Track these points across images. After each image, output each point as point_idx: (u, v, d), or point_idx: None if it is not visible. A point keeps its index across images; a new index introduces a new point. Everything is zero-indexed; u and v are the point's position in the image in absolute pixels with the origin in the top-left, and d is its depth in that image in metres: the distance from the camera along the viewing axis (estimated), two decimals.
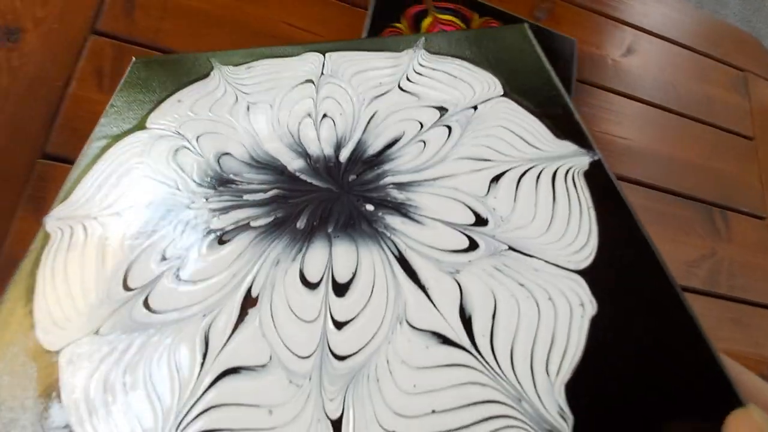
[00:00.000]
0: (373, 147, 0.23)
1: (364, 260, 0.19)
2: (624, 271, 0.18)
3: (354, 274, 0.19)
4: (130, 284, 0.19)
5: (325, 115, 0.25)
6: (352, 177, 0.22)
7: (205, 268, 0.19)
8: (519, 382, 0.16)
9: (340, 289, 0.18)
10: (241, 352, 0.17)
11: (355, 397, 0.16)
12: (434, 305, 0.18)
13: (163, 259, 0.20)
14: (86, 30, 0.46)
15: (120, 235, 0.21)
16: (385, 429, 0.15)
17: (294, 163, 0.23)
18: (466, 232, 0.20)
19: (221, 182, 0.22)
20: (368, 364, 0.16)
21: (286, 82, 0.26)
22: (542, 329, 0.17)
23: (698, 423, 0.15)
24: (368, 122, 0.24)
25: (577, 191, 0.21)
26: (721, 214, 0.72)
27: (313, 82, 0.26)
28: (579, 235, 0.19)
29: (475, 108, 0.24)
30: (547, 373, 0.16)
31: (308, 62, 0.27)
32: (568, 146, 0.22)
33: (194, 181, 0.22)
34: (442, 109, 0.25)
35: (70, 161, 0.41)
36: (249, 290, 0.18)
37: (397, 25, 0.57)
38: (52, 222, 0.21)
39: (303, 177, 0.22)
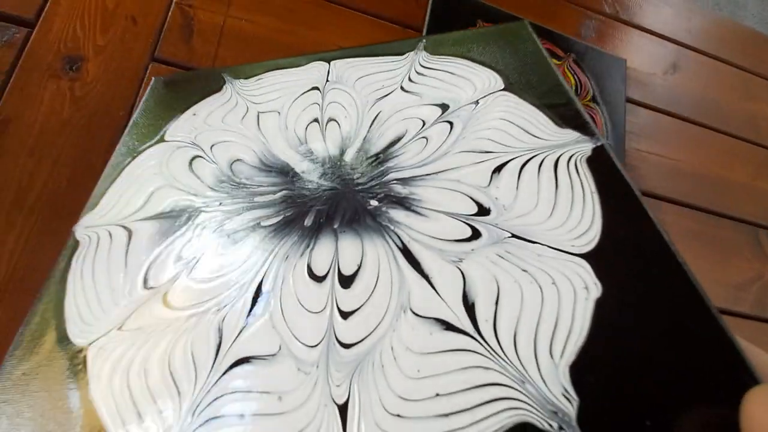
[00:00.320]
0: (377, 146, 0.24)
1: (369, 253, 0.20)
2: (629, 253, 0.18)
3: (359, 267, 0.19)
4: (151, 283, 0.21)
5: (330, 119, 0.25)
6: (357, 175, 0.23)
7: (219, 266, 0.21)
8: (522, 365, 0.16)
9: (346, 281, 0.19)
10: (253, 343, 0.18)
11: (361, 383, 0.16)
12: (437, 293, 0.18)
13: (180, 259, 0.21)
14: (147, 57, 0.46)
15: (141, 239, 0.22)
16: (390, 412, 0.15)
17: (301, 165, 0.24)
18: (469, 222, 0.20)
19: (234, 186, 0.24)
20: (373, 352, 0.17)
21: (293, 90, 0.27)
22: (546, 313, 0.17)
23: (712, 404, 0.14)
24: (372, 123, 0.25)
25: (580, 177, 0.21)
26: None
27: (318, 89, 0.27)
28: (582, 220, 0.19)
29: (477, 103, 0.25)
30: (551, 356, 0.16)
31: (314, 71, 0.28)
32: (570, 134, 0.23)
33: (209, 187, 0.24)
34: (444, 106, 0.25)
35: None
36: (260, 285, 0.20)
37: None
38: (80, 230, 0.24)
39: (310, 178, 0.23)
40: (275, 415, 0.16)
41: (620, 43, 0.73)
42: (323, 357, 0.17)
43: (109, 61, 0.45)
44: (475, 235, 0.20)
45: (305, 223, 0.21)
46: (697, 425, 0.13)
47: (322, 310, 0.18)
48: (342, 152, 0.24)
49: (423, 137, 0.24)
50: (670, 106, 0.71)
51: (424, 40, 0.28)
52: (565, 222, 0.19)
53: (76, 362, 0.18)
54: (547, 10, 0.70)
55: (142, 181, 0.25)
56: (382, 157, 0.23)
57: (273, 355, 0.17)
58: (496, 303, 0.17)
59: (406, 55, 0.28)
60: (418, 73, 0.27)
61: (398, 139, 0.24)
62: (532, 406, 0.15)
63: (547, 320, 0.16)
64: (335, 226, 0.21)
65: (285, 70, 0.29)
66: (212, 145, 0.26)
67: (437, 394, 0.15)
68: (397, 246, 0.20)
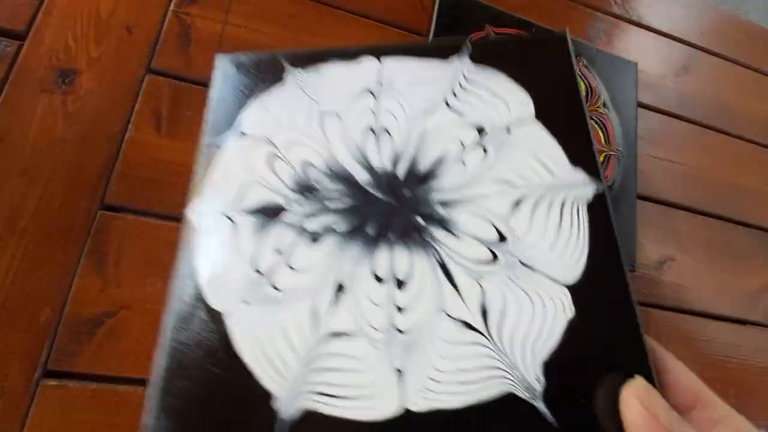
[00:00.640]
0: (423, 165, 0.28)
1: (416, 264, 0.26)
2: (599, 291, 0.25)
3: (409, 274, 0.25)
4: (260, 269, 0.25)
5: (384, 129, 0.29)
6: (407, 192, 0.27)
7: (308, 261, 0.26)
8: (514, 357, 0.24)
9: (401, 284, 0.25)
10: (338, 324, 0.24)
11: (410, 358, 0.24)
12: (463, 301, 0.25)
13: (279, 252, 0.26)
14: (142, 69, 0.44)
15: (246, 230, 0.26)
16: (429, 377, 0.23)
17: (362, 176, 0.28)
18: (491, 247, 0.26)
19: (308, 189, 0.27)
20: (419, 338, 0.24)
21: (349, 89, 0.30)
22: (535, 324, 0.24)
23: (613, 383, 0.23)
24: (419, 139, 0.29)
25: (579, 220, 0.26)
26: None
27: (372, 94, 0.30)
28: (572, 258, 0.25)
29: (509, 130, 0.29)
30: (533, 354, 0.24)
31: (366, 69, 0.31)
32: (579, 175, 0.27)
33: (288, 188, 0.27)
34: (481, 130, 0.29)
35: (132, 211, 0.39)
36: (339, 281, 0.25)
37: None
38: (194, 216, 0.27)
39: (370, 190, 0.27)
40: (357, 372, 0.23)
41: (630, 45, 0.71)
42: (385, 338, 0.24)
43: (104, 74, 0.43)
44: (494, 258, 0.26)
45: (368, 232, 0.26)
46: (609, 403, 0.22)
47: (384, 304, 0.25)
48: (394, 166, 0.28)
49: (461, 161, 0.28)
50: (681, 110, 0.69)
51: (469, 44, 0.31)
52: (560, 257, 0.26)
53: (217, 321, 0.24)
54: (555, 11, 0.68)
55: (232, 174, 0.28)
56: (427, 176, 0.28)
57: (352, 333, 0.24)
58: (502, 313, 0.25)
59: (451, 60, 0.31)
60: (461, 86, 0.30)
61: (441, 160, 0.28)
62: (516, 383, 0.23)
63: (534, 329, 0.24)
64: (391, 238, 0.26)
65: (338, 62, 0.31)
66: (286, 145, 0.29)
67: (458, 369, 0.23)
68: (437, 261, 0.26)
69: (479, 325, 0.24)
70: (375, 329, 0.24)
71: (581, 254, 0.25)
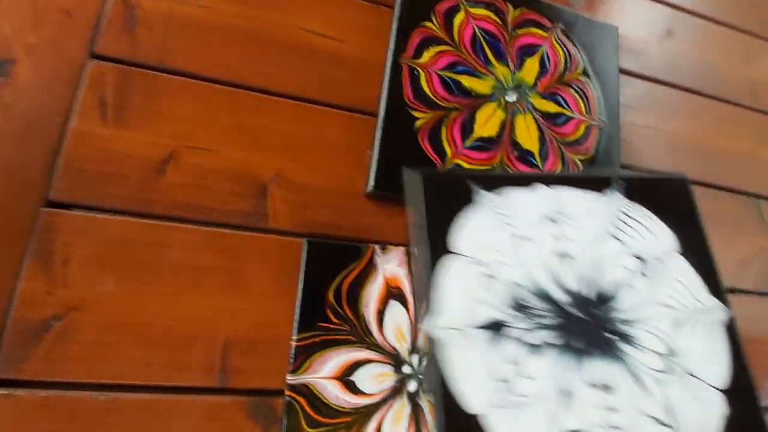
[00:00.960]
0: (602, 288, 0.34)
1: (616, 372, 0.32)
2: (742, 394, 0.33)
3: (613, 381, 0.32)
4: (500, 378, 0.31)
5: (568, 255, 0.35)
6: (595, 311, 0.33)
7: (536, 371, 0.31)
8: None
9: (607, 389, 0.31)
10: (569, 424, 0.31)
11: None
12: (654, 403, 0.32)
13: (512, 363, 0.31)
14: (84, 54, 0.41)
15: (481, 344, 0.32)
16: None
17: (560, 296, 0.34)
18: (664, 359, 0.33)
19: (521, 307, 0.33)
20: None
21: (533, 215, 0.36)
22: (701, 419, 0.31)
23: None
24: (594, 264, 0.35)
25: (720, 338, 0.35)
26: None
27: (554, 221, 0.36)
28: (720, 368, 0.34)
29: (661, 260, 0.36)
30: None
31: (541, 195, 0.38)
32: (716, 302, 0.36)
33: (507, 305, 0.33)
34: (641, 259, 0.36)
35: (79, 207, 0.37)
36: (566, 388, 0.31)
37: (428, 24, 0.51)
38: (435, 330, 0.33)
39: (569, 309, 0.33)
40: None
41: (611, 10, 0.68)
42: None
43: (43, 62, 0.40)
44: (668, 369, 0.33)
45: (573, 345, 0.32)
46: None
47: (599, 406, 0.32)
48: (581, 288, 0.34)
49: (630, 285, 0.35)
50: (665, 75, 0.67)
51: (620, 181, 0.39)
52: (711, 368, 0.33)
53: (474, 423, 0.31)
54: None
55: (456, 293, 0.33)
56: (606, 298, 0.34)
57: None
58: (682, 411, 0.32)
59: (606, 193, 0.39)
60: (621, 220, 0.37)
61: (615, 284, 0.35)
62: None
63: (701, 423, 0.31)
64: (592, 351, 0.32)
65: (517, 188, 0.38)
66: (497, 266, 0.34)
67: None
68: (626, 369, 0.32)
69: (669, 420, 0.31)
70: (598, 427, 0.30)
71: (725, 365, 0.34)
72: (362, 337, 0.41)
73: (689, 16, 0.73)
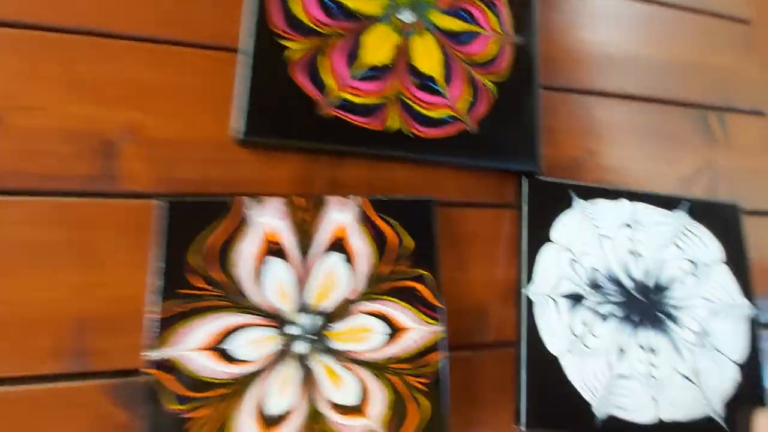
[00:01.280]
0: (660, 280, 0.47)
1: (661, 341, 0.46)
2: (752, 365, 0.48)
3: (658, 346, 0.45)
4: (575, 333, 0.44)
5: (637, 253, 0.47)
6: (652, 296, 0.46)
7: (601, 332, 0.45)
8: (709, 397, 0.46)
9: (653, 351, 0.45)
10: (622, 371, 0.45)
11: (660, 392, 0.45)
12: (686, 364, 0.46)
13: (584, 324, 0.44)
14: None
15: (563, 308, 0.45)
16: (669, 404, 0.45)
17: (628, 282, 0.46)
18: (699, 336, 0.47)
19: (596, 286, 0.45)
20: (665, 383, 0.45)
21: (615, 221, 0.49)
22: (719, 380, 0.47)
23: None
24: (658, 263, 0.48)
25: (743, 329, 0.48)
26: (718, 118, 0.62)
27: (629, 226, 0.48)
28: (739, 348, 0.48)
29: (708, 266, 0.49)
30: (719, 396, 0.47)
31: (624, 207, 0.49)
32: (744, 301, 0.49)
33: (585, 283, 0.45)
34: (693, 263, 0.49)
35: None
36: (621, 346, 0.45)
37: None
38: (533, 296, 0.45)
39: (632, 292, 0.46)
40: (633, 397, 0.44)
41: None
42: (648, 381, 0.45)
43: None
44: (701, 344, 0.47)
45: (633, 318, 0.45)
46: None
47: (644, 362, 0.45)
48: (644, 278, 0.47)
49: (682, 282, 0.47)
50: None
51: (689, 205, 0.51)
52: (734, 347, 0.48)
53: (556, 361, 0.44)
54: None
55: (550, 270, 0.46)
56: (663, 288, 0.47)
57: (630, 377, 0.44)
58: (705, 373, 0.46)
59: (674, 211, 0.50)
60: (683, 233, 0.49)
61: (671, 279, 0.47)
62: (711, 410, 0.46)
63: (720, 382, 0.47)
64: (646, 324, 0.45)
65: (605, 200, 0.49)
66: (580, 254, 0.46)
67: (683, 401, 0.46)
68: (671, 340, 0.46)
69: (694, 379, 0.44)
70: (641, 374, 0.43)
71: (744, 347, 0.47)
72: (236, 300, 0.36)
73: None
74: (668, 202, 0.51)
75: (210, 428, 0.34)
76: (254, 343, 0.36)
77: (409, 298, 0.41)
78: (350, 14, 0.44)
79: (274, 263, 0.38)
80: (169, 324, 0.35)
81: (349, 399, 0.38)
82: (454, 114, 0.46)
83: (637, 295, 0.47)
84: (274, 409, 0.36)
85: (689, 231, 0.50)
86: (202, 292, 0.36)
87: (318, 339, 0.38)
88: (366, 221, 0.41)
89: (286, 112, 0.41)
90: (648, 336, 0.45)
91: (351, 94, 0.43)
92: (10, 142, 0.35)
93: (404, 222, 0.42)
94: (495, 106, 0.47)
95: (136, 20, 0.40)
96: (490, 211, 0.49)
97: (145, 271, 0.36)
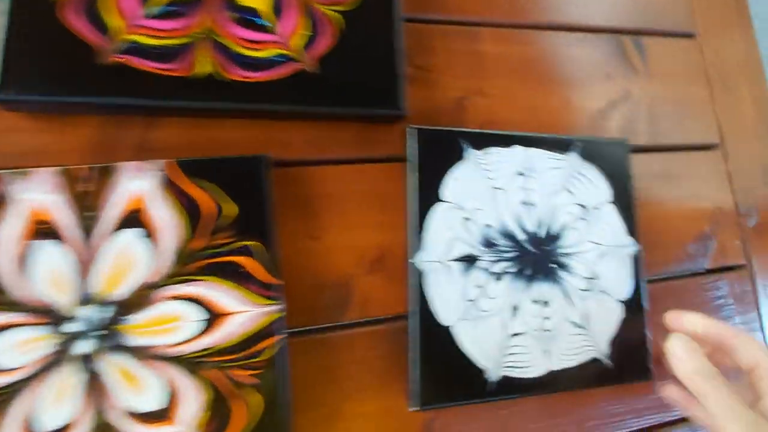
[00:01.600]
0: (553, 229, 0.44)
1: (554, 292, 0.43)
2: (634, 302, 0.46)
3: (550, 298, 0.43)
4: (469, 298, 0.41)
5: (530, 203, 0.44)
6: (545, 247, 0.44)
7: (496, 292, 0.41)
8: (596, 338, 0.45)
9: (546, 304, 0.43)
10: (515, 329, 0.41)
11: (552, 344, 0.43)
12: (577, 312, 0.44)
13: (479, 287, 0.41)
14: None
15: (456, 273, 0.41)
16: (561, 353, 0.43)
17: (521, 236, 0.43)
18: (589, 282, 0.45)
19: (490, 244, 0.42)
20: (557, 334, 0.43)
21: (507, 172, 0.44)
22: (605, 322, 0.45)
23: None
24: (550, 211, 0.44)
25: (629, 267, 0.46)
26: (635, 44, 0.55)
27: (523, 175, 0.44)
28: (625, 286, 0.46)
29: (597, 208, 0.46)
30: (605, 336, 0.45)
31: (516, 154, 0.44)
32: (630, 240, 0.47)
33: (478, 242, 0.42)
34: (582, 207, 0.45)
35: None
36: (515, 304, 0.42)
37: None
38: (420, 263, 0.40)
39: (526, 245, 0.43)
40: (526, 353, 0.42)
41: None
42: (540, 334, 0.42)
43: None
44: (590, 288, 0.45)
45: (526, 273, 0.42)
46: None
47: (538, 316, 0.42)
48: (537, 230, 0.44)
49: (573, 228, 0.45)
50: None
51: (581, 146, 0.46)
52: (620, 287, 0.46)
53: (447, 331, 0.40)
54: None
55: (441, 232, 0.41)
56: (555, 237, 0.44)
57: (524, 333, 0.42)
58: (594, 317, 0.45)
59: (567, 155, 0.46)
60: (573, 176, 0.45)
61: (563, 227, 0.44)
62: (597, 352, 0.44)
63: (606, 324, 0.45)
64: (538, 276, 0.43)
65: (498, 148, 0.44)
66: (474, 210, 0.42)
67: (574, 348, 0.43)
68: (563, 290, 0.44)
69: (584, 324, 0.43)
70: (534, 330, 0.42)
71: (629, 285, 0.46)
72: None
73: None
74: (562, 145, 0.46)
75: None
76: (19, 347, 0.30)
77: (234, 275, 0.34)
78: None
79: (45, 247, 0.31)
80: None
81: (152, 404, 0.31)
82: (286, 52, 0.38)
83: (530, 248, 0.43)
84: (48, 424, 0.29)
85: (580, 174, 0.46)
86: None
87: (108, 335, 0.31)
88: (171, 188, 0.34)
89: (54, 63, 0.33)
90: (541, 289, 0.43)
91: (145, 35, 0.35)
92: None
93: (225, 186, 0.35)
94: (341, 41, 0.40)
95: None
96: (353, 168, 0.42)
97: None
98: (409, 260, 0.40)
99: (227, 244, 0.34)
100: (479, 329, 0.40)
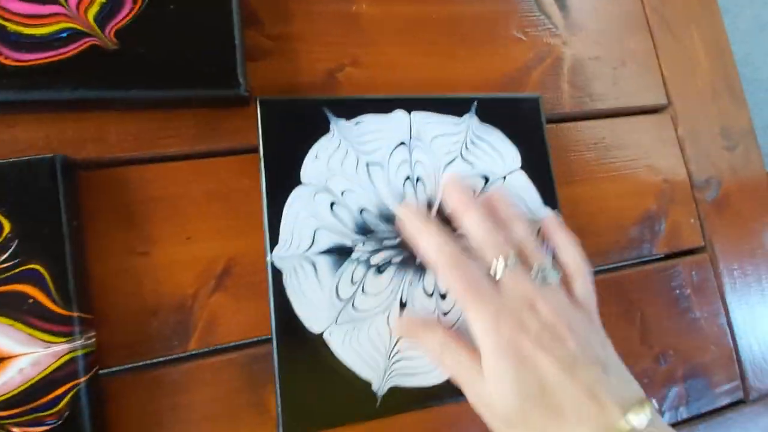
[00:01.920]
0: (448, 207, 0.35)
1: None
2: None
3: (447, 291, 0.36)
4: (342, 296, 0.34)
5: (418, 179, 0.37)
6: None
7: (376, 287, 0.34)
8: None
9: (443, 296, 0.35)
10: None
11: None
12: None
13: (353, 282, 0.34)
14: None
15: (324, 268, 0.34)
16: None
17: None
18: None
19: (367, 231, 0.35)
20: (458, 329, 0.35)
21: (386, 142, 0.36)
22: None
23: None
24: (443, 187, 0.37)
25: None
26: None
27: (405, 145, 0.37)
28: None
29: (504, 178, 0.38)
30: None
31: (398, 121, 0.37)
32: (546, 210, 0.39)
33: (351, 230, 0.35)
34: (485, 178, 0.38)
35: None
36: (401, 299, 0.35)
37: None
38: (278, 261, 0.33)
39: None
40: (421, 358, 0.34)
41: None
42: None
43: None
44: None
45: (416, 262, 0.35)
46: None
47: (434, 311, 0.35)
48: (428, 208, 0.36)
49: None
50: None
51: (476, 104, 0.39)
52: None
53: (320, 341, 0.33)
54: None
55: (302, 221, 0.34)
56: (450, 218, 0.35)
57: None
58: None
59: (464, 117, 0.38)
60: (472, 142, 0.38)
61: None
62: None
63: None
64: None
65: (374, 115, 0.36)
66: (342, 192, 0.35)
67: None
68: None
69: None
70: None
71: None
72: None
73: None
74: (457, 106, 0.39)
75: None
76: None
77: (12, 309, 0.27)
78: None
79: None
80: None
81: None
82: (75, 25, 0.30)
83: None
84: None
85: (480, 139, 0.39)
86: None
87: None
88: None
89: None
90: (436, 279, 0.36)
91: None
92: None
93: None
94: (149, 8, 0.32)
95: None
96: (193, 164, 0.35)
97: None
98: (267, 259, 0.33)
99: (4, 270, 0.27)
100: (359, 334, 0.34)
